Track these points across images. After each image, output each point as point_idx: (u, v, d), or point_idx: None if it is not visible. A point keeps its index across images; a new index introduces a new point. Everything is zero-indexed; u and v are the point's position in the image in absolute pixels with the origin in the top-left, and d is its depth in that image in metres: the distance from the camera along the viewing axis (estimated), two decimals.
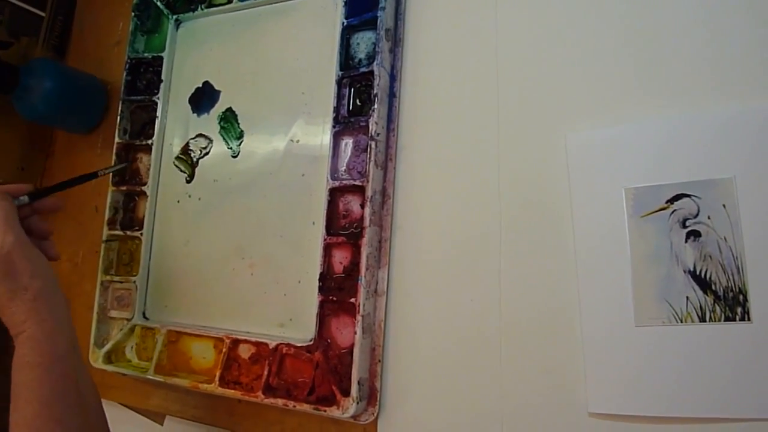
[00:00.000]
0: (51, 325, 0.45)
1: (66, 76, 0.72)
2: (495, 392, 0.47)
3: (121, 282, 0.65)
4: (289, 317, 0.56)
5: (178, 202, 0.64)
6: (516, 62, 0.52)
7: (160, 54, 0.67)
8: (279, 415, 0.56)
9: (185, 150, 0.65)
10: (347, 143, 0.54)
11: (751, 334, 0.39)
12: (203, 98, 0.65)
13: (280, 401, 0.51)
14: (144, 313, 0.64)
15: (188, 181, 0.64)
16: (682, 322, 0.41)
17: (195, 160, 0.64)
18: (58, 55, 0.81)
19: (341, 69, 0.56)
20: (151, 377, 0.58)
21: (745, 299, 0.40)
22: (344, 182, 0.53)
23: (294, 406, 0.51)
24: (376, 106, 0.53)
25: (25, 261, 0.46)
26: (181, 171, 0.65)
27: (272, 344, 0.54)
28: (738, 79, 0.43)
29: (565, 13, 0.50)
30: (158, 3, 0.68)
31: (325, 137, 0.56)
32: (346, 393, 0.49)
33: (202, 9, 0.66)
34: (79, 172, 0.75)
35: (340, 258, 0.53)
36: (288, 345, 0.53)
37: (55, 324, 0.45)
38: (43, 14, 0.79)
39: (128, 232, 0.65)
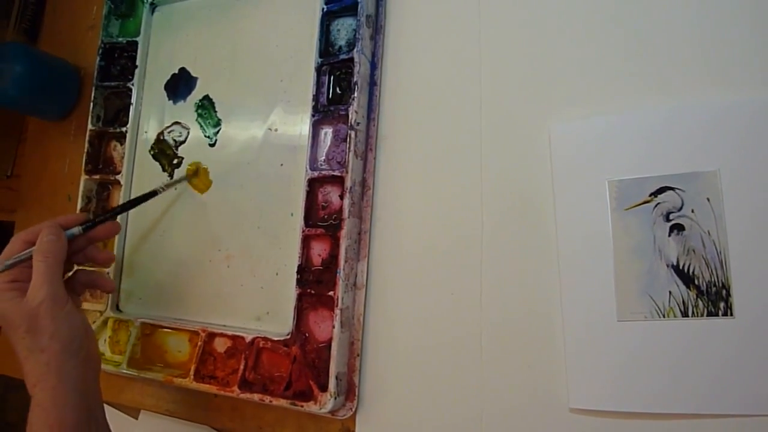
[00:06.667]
0: (61, 392, 0.43)
1: (38, 60, 0.70)
2: (475, 387, 0.46)
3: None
4: (266, 310, 0.54)
5: None
6: (499, 51, 0.50)
7: (134, 39, 0.65)
8: (256, 410, 0.55)
9: (160, 139, 0.63)
10: (327, 132, 0.53)
11: (734, 329, 0.39)
12: (179, 85, 0.63)
13: (256, 396, 0.50)
14: (117, 306, 0.62)
15: (170, 175, 0.63)
16: (664, 317, 0.41)
17: (174, 152, 0.62)
18: (30, 38, 0.78)
19: (321, 56, 0.54)
20: (124, 371, 0.57)
21: (728, 294, 0.39)
22: (323, 172, 0.52)
23: (270, 401, 0.50)
24: (356, 94, 0.51)
25: (48, 320, 0.43)
26: (163, 169, 0.63)
27: (249, 338, 0.52)
28: (724, 72, 0.43)
29: (549, 1, 0.49)
30: None
31: (304, 126, 0.55)
32: (324, 388, 0.48)
33: None
34: (51, 160, 0.73)
35: (319, 250, 0.52)
36: (265, 339, 0.52)
37: (66, 391, 0.43)
38: None
39: None
